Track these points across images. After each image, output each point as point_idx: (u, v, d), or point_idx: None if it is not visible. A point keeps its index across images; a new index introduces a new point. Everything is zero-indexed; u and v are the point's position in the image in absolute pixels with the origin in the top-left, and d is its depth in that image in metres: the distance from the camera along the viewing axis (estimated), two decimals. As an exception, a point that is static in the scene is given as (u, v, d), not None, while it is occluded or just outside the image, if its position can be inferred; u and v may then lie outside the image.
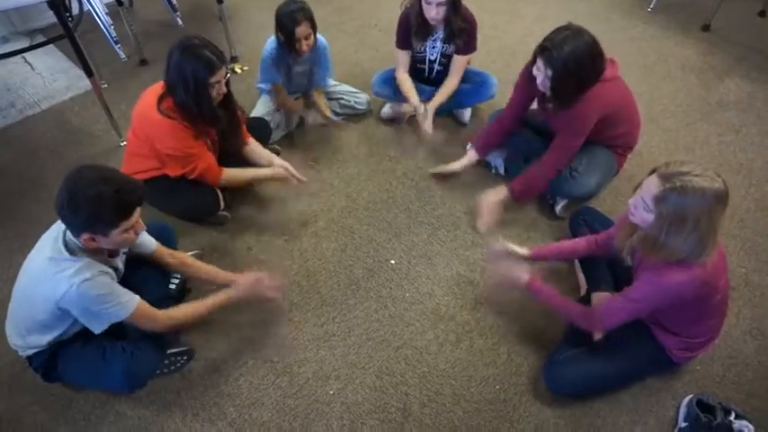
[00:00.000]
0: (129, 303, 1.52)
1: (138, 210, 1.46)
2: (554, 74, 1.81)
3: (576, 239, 1.89)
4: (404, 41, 2.46)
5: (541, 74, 1.87)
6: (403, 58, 2.51)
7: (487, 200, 2.20)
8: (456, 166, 2.35)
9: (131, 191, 1.43)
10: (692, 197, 1.29)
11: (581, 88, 1.87)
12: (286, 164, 2.17)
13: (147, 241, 1.76)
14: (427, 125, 2.44)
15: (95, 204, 1.36)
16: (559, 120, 2.03)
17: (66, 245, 1.45)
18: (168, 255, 1.81)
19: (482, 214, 2.22)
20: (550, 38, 1.81)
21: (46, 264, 1.43)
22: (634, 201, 1.44)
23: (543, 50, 1.82)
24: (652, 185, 1.36)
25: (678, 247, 1.36)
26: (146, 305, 1.57)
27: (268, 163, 2.20)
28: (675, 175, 1.31)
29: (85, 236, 1.41)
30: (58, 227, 1.50)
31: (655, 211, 1.36)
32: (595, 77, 1.85)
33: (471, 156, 2.32)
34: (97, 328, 1.50)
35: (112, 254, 1.60)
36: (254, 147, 2.22)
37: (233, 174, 2.11)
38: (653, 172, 1.38)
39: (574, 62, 1.78)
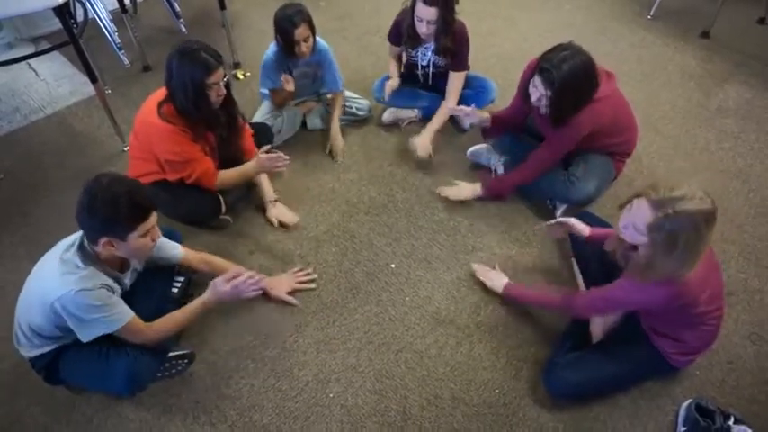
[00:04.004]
0: (121, 318, 1.53)
1: (155, 215, 1.49)
2: (553, 94, 1.83)
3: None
4: (395, 38, 2.48)
5: (538, 92, 1.89)
6: (394, 50, 2.54)
7: (458, 195, 2.31)
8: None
9: (143, 193, 1.47)
10: (683, 221, 1.32)
11: (577, 106, 1.90)
12: (263, 155, 2.09)
13: (172, 250, 1.78)
14: (422, 148, 2.45)
15: (112, 206, 1.40)
16: (549, 130, 2.06)
17: (81, 252, 1.47)
18: (200, 261, 1.84)
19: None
20: (549, 58, 1.82)
21: (54, 265, 1.46)
22: (624, 222, 1.44)
23: (542, 71, 1.83)
24: (644, 213, 1.36)
25: (666, 267, 1.39)
26: (136, 321, 1.57)
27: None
28: (667, 202, 1.32)
29: (104, 240, 1.43)
30: (75, 236, 1.52)
31: (648, 237, 1.38)
32: (590, 96, 1.88)
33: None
34: (84, 337, 1.51)
35: (124, 267, 1.62)
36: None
37: (225, 175, 2.11)
38: (640, 195, 1.39)
39: (572, 81, 1.80)
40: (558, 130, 1.99)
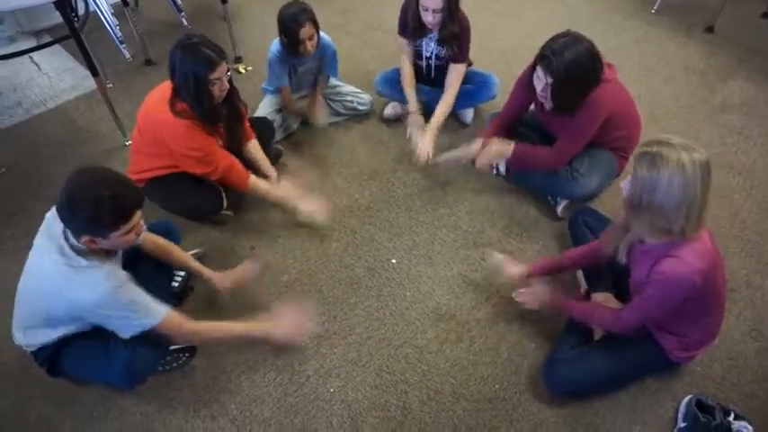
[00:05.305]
0: (160, 310, 1.53)
1: (139, 212, 1.45)
2: (555, 81, 1.81)
3: (570, 251, 1.87)
4: (404, 29, 2.45)
5: (542, 82, 1.86)
6: (406, 45, 2.50)
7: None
8: (464, 152, 2.26)
9: (129, 195, 1.42)
10: (665, 160, 1.32)
11: (583, 93, 1.87)
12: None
13: None
14: (422, 147, 2.34)
15: (93, 208, 1.34)
16: (561, 125, 2.03)
17: (76, 251, 1.44)
18: (148, 242, 1.79)
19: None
20: (549, 45, 1.81)
21: (62, 266, 1.42)
22: (624, 181, 1.46)
23: (543, 59, 1.82)
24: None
25: (657, 212, 1.36)
26: (175, 314, 1.56)
27: (265, 171, 2.22)
28: (654, 141, 1.36)
29: (85, 238, 1.40)
30: (53, 224, 1.48)
31: (633, 174, 1.39)
32: (596, 80, 1.86)
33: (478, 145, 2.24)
34: (126, 334, 1.51)
35: (109, 254, 1.59)
36: (254, 147, 2.22)
37: (261, 186, 2.10)
38: None
39: (575, 68, 1.78)
40: (571, 122, 1.95)
